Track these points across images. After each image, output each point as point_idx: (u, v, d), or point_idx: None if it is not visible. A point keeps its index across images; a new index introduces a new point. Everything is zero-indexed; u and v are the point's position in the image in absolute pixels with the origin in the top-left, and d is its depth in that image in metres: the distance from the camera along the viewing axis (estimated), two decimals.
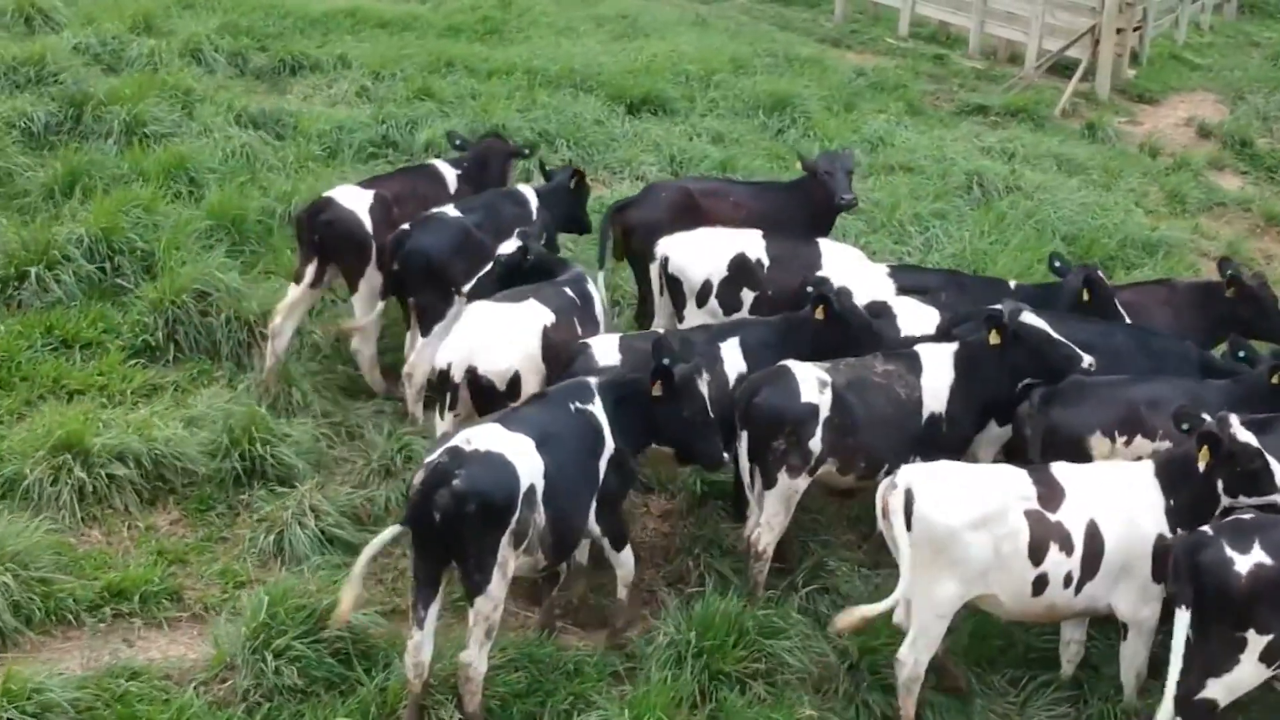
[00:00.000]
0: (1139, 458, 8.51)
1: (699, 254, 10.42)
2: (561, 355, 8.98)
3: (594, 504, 7.96)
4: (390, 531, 7.44)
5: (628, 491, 8.51)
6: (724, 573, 8.86)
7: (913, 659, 7.78)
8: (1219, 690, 7.42)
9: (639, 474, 8.86)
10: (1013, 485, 7.86)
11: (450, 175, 11.37)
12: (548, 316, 9.11)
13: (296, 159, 13.77)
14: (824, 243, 10.84)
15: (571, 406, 8.01)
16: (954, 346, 9.01)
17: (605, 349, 8.96)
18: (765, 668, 7.93)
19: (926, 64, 21.05)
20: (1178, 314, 10.52)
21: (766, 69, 18.79)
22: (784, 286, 10.11)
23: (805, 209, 11.23)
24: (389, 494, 9.25)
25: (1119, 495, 7.90)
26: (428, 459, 7.41)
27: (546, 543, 7.57)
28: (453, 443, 7.40)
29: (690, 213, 10.98)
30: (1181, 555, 7.45)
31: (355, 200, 10.51)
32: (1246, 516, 7.62)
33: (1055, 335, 8.81)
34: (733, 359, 9.13)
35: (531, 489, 7.40)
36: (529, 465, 7.43)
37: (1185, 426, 7.96)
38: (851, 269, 10.38)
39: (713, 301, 10.39)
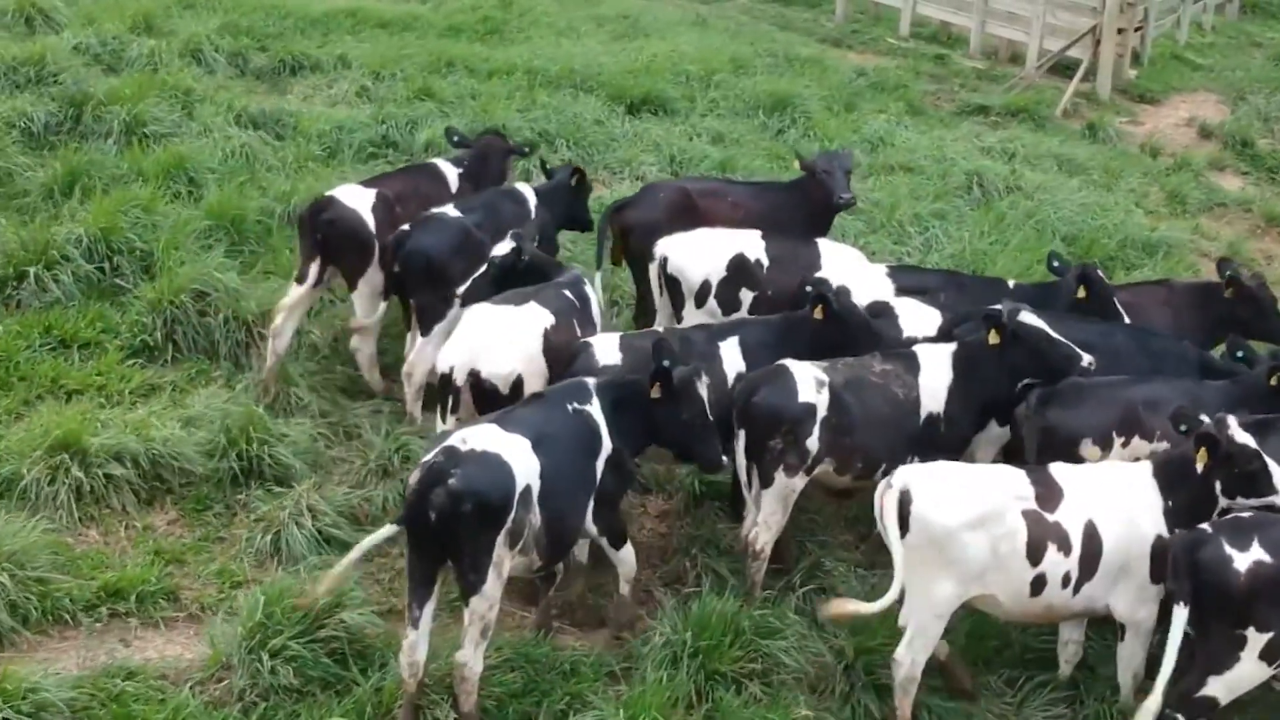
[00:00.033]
0: (1136, 459, 8.52)
1: (698, 254, 10.42)
2: (562, 357, 8.98)
3: (591, 504, 7.97)
4: (385, 530, 7.47)
5: (625, 491, 8.52)
6: (721, 573, 8.87)
7: (909, 659, 7.78)
8: (1219, 688, 7.44)
9: (637, 474, 8.85)
10: (1010, 485, 7.86)
11: (452, 174, 11.37)
12: (548, 319, 9.11)
13: (296, 159, 13.77)
14: (823, 243, 10.84)
15: (569, 407, 8.01)
16: (952, 347, 9.01)
17: (606, 348, 8.97)
18: (761, 668, 7.93)
19: (927, 64, 21.01)
20: (1176, 314, 10.52)
21: (767, 69, 18.76)
22: (783, 287, 10.11)
23: (803, 209, 11.22)
24: (386, 494, 9.26)
25: (1117, 496, 7.90)
26: (424, 459, 7.42)
27: (542, 543, 7.57)
28: (448, 442, 7.41)
29: (688, 213, 10.98)
30: (1180, 553, 7.46)
31: (358, 199, 10.51)
32: (1245, 514, 7.63)
33: (1054, 335, 8.80)
34: (732, 358, 9.14)
35: (527, 489, 7.41)
36: (525, 465, 7.43)
37: (1183, 428, 7.96)
38: (851, 269, 10.37)
39: (711, 302, 10.39)
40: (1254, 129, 19.39)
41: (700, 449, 8.36)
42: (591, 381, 8.28)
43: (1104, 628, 8.37)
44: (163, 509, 9.17)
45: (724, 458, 8.45)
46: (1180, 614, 7.38)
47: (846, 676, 8.08)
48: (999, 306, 8.94)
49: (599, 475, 8.00)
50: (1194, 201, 16.59)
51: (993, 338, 8.78)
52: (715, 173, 14.39)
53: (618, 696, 7.70)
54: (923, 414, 8.83)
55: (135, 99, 13.86)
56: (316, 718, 7.46)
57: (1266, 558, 7.33)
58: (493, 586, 7.30)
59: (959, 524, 7.63)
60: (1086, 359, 8.71)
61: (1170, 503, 7.85)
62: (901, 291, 10.21)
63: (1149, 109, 20.49)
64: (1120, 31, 20.56)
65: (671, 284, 10.45)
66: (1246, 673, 7.43)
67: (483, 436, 7.44)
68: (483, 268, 9.55)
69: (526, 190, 11.12)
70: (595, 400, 8.10)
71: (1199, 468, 7.78)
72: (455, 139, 11.80)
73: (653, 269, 10.53)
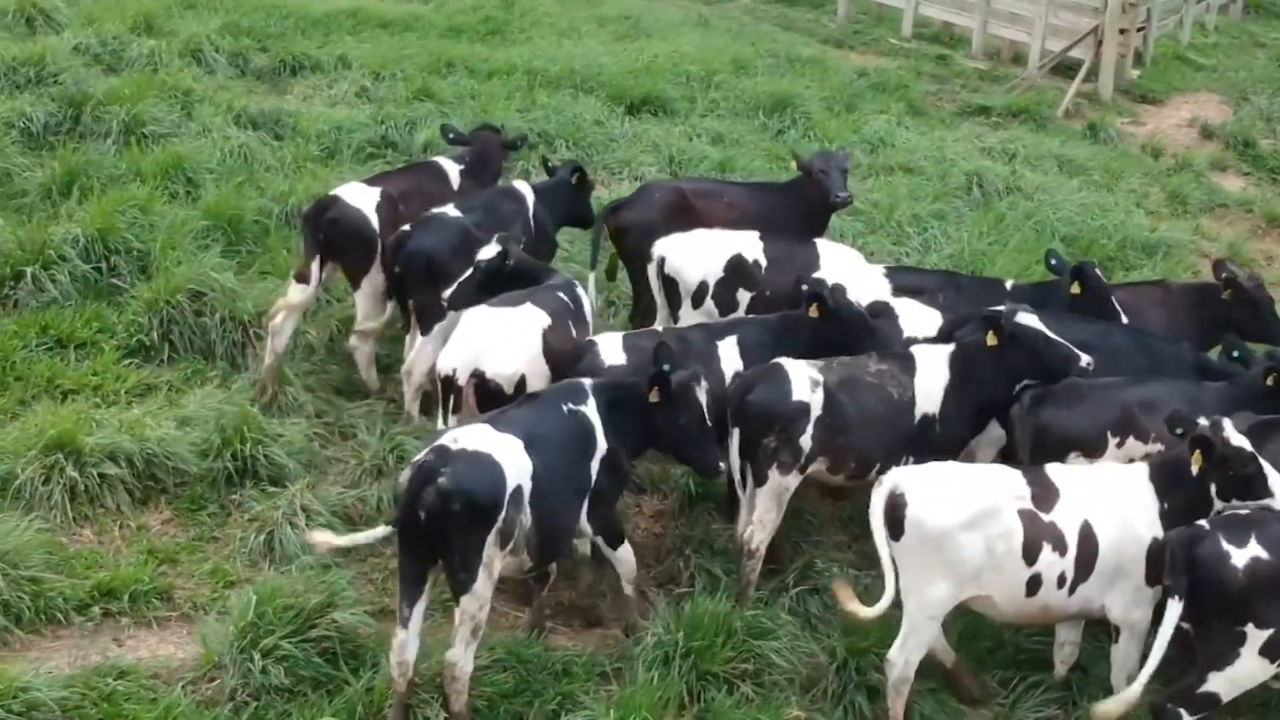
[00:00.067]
0: (1131, 460, 8.51)
1: (695, 255, 10.43)
2: (559, 358, 8.98)
3: (585, 505, 7.97)
4: (380, 530, 7.47)
5: (621, 492, 8.52)
6: (715, 573, 8.87)
7: (903, 660, 7.78)
8: (1220, 684, 7.46)
9: (632, 475, 8.84)
10: (1006, 485, 7.86)
11: (453, 172, 11.38)
12: (546, 320, 9.11)
13: (295, 159, 13.76)
14: (821, 243, 10.85)
15: (564, 408, 8.02)
16: (950, 348, 9.00)
17: (611, 348, 8.98)
18: (753, 668, 7.94)
19: (929, 64, 20.98)
20: (1172, 315, 10.51)
21: (768, 70, 18.74)
22: (781, 287, 10.10)
23: (800, 209, 11.21)
24: (380, 494, 9.24)
25: (1113, 497, 7.90)
26: (415, 458, 7.43)
27: (533, 543, 7.57)
28: (439, 442, 7.43)
29: (684, 213, 10.97)
30: (1178, 549, 7.47)
31: (361, 198, 10.51)
32: (1243, 511, 7.64)
33: (1052, 336, 8.78)
34: (730, 357, 9.15)
35: (518, 489, 7.40)
36: (516, 465, 7.44)
37: (1178, 430, 7.95)
38: (849, 270, 10.37)
39: (708, 302, 10.39)
40: (1256, 129, 19.35)
41: (697, 454, 8.36)
42: (588, 382, 8.29)
43: (1097, 629, 8.35)
44: (157, 509, 9.16)
45: (721, 464, 8.46)
46: (1174, 608, 7.39)
47: (839, 677, 8.08)
48: (1000, 308, 8.93)
49: (594, 476, 8.00)
50: (1195, 202, 16.56)
51: (990, 339, 8.77)
52: (714, 173, 14.39)
53: (609, 697, 7.70)
54: (917, 415, 8.84)
55: (134, 99, 13.85)
56: (308, 717, 7.45)
57: (1264, 554, 7.34)
58: (483, 586, 7.30)
59: (954, 524, 7.63)
60: (1085, 359, 8.70)
61: (1166, 505, 7.85)
62: (899, 292, 10.21)
63: (1151, 109, 20.45)
64: (1122, 32, 20.52)
65: (668, 284, 10.45)
66: (1247, 669, 7.44)
67: (474, 436, 7.45)
68: (468, 271, 9.55)
69: (525, 189, 11.12)
70: (591, 401, 8.11)
71: (1194, 470, 7.77)
72: (451, 136, 11.80)
73: (651, 269, 10.52)
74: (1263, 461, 7.77)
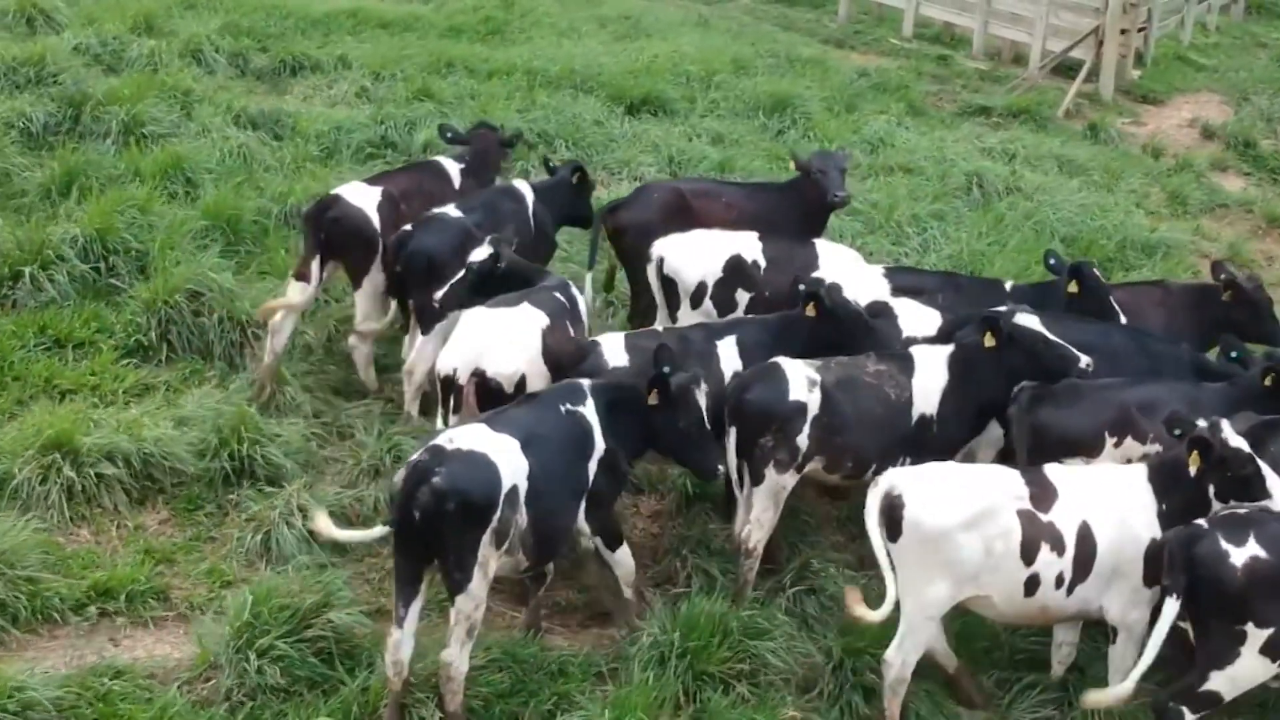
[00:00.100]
0: (1129, 461, 8.50)
1: (694, 255, 10.43)
2: (558, 358, 8.98)
3: (583, 505, 7.97)
4: (378, 530, 7.47)
5: (619, 493, 8.51)
6: (712, 573, 8.86)
7: (900, 660, 7.78)
8: (1222, 683, 7.46)
9: (630, 475, 8.84)
10: (1004, 485, 7.86)
11: (454, 171, 11.38)
12: (544, 320, 9.11)
13: (294, 160, 13.77)
14: (820, 244, 10.86)
15: (562, 408, 8.02)
16: (949, 349, 9.00)
17: (614, 349, 8.99)
18: (749, 668, 7.92)
19: (930, 65, 20.95)
20: (1171, 315, 10.51)
21: (768, 70, 18.72)
22: (780, 288, 10.10)
23: (798, 209, 11.21)
24: (378, 494, 9.23)
25: (1112, 497, 7.89)
26: (411, 458, 7.43)
27: (529, 543, 7.58)
28: (435, 441, 7.44)
29: (682, 213, 10.98)
30: (1177, 547, 7.47)
31: (363, 197, 10.51)
32: (1242, 510, 7.63)
33: (1051, 337, 8.78)
34: (729, 357, 9.16)
35: (514, 489, 7.41)
36: (512, 465, 7.44)
37: (1177, 431, 7.95)
38: (848, 270, 10.36)
39: (707, 303, 10.39)
40: (1257, 129, 19.33)
41: (696, 457, 8.37)
42: (586, 383, 8.29)
43: (1093, 629, 8.34)
44: (154, 508, 9.16)
45: (719, 467, 8.47)
46: (1171, 607, 7.40)
47: (835, 677, 8.07)
48: (1001, 309, 8.93)
49: (591, 476, 8.00)
50: (1195, 202, 16.55)
51: (989, 340, 8.76)
52: (714, 174, 14.39)
53: (605, 697, 7.69)
54: (914, 415, 8.84)
55: (134, 99, 13.86)
56: (303, 717, 7.45)
57: (1263, 553, 7.34)
58: (478, 586, 7.30)
59: (952, 525, 7.63)
60: (1085, 360, 8.69)
61: (1164, 506, 7.84)
62: (898, 292, 10.20)
63: (1152, 110, 20.42)
64: (1123, 32, 20.50)
65: (667, 285, 10.45)
66: (1247, 668, 7.44)
67: (469, 436, 7.46)
68: (460, 273, 9.55)
69: (524, 188, 11.13)
70: (590, 401, 8.11)
71: (1192, 471, 7.77)
72: (449, 135, 11.80)
73: (650, 270, 10.52)
74: (1261, 463, 7.76)
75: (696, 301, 10.38)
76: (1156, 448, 8.56)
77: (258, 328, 10.60)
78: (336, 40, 17.67)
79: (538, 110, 15.64)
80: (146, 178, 12.55)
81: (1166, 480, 7.89)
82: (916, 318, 9.77)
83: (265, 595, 7.83)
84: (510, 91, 16.20)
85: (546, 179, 11.46)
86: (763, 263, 10.42)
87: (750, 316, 9.99)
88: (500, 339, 8.85)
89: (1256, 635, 7.36)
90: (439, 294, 9.59)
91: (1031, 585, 7.75)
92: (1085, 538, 7.77)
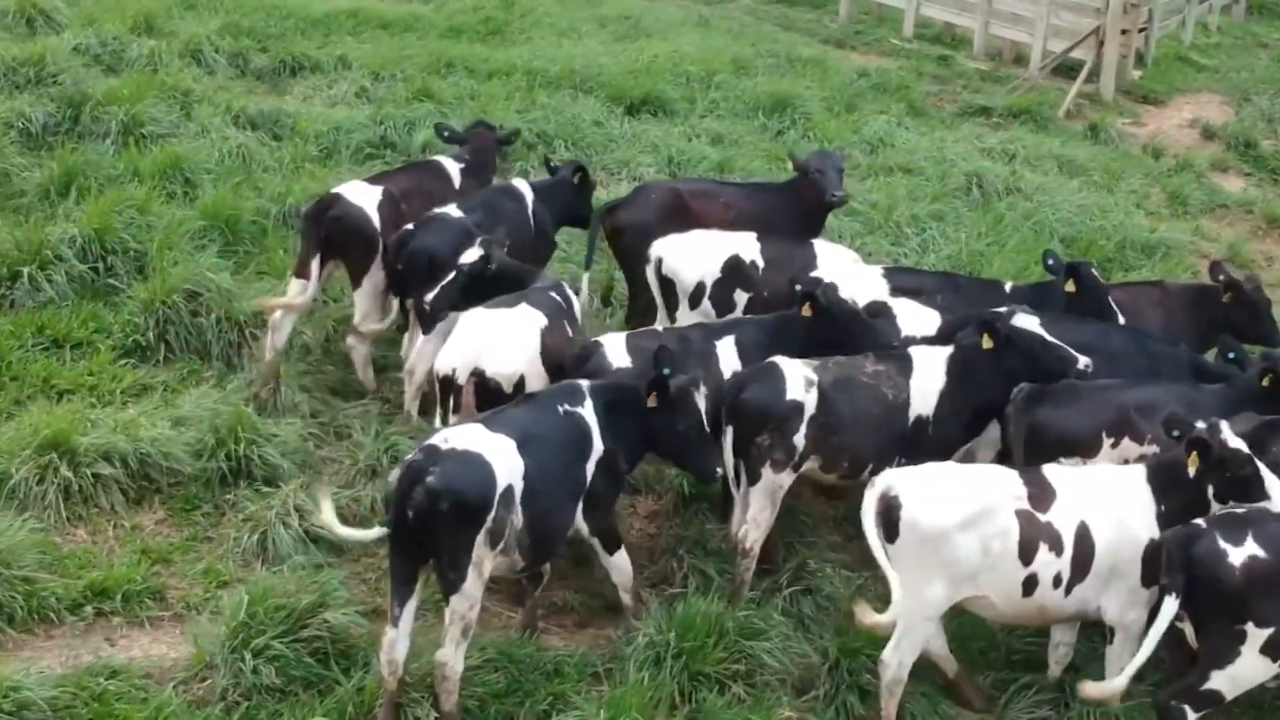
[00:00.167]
0: (1125, 461, 8.49)
1: (693, 256, 10.44)
2: (561, 359, 8.99)
3: (580, 506, 7.97)
4: (376, 531, 7.46)
5: (618, 494, 8.50)
6: (708, 573, 8.85)
7: (897, 660, 7.77)
8: (1223, 682, 7.47)
9: (628, 476, 8.84)
10: (1002, 485, 7.85)
11: (454, 171, 11.39)
12: (542, 320, 9.12)
13: (293, 160, 13.77)
14: (819, 244, 10.87)
15: (560, 409, 8.02)
16: (948, 350, 8.99)
17: (616, 349, 8.99)
18: (745, 669, 7.92)
19: (931, 65, 20.93)
20: (1170, 316, 10.50)
21: (768, 70, 18.71)
22: (778, 288, 10.12)
23: (796, 209, 11.22)
24: (375, 494, 9.21)
25: (1110, 498, 7.89)
26: (406, 457, 7.43)
27: (525, 543, 7.57)
28: (430, 441, 7.44)
29: (680, 214, 10.98)
30: (1175, 547, 7.47)
31: (363, 196, 10.52)
32: (1240, 510, 7.63)
33: (1049, 338, 8.77)
34: (728, 357, 9.17)
35: (509, 489, 7.40)
36: (507, 465, 7.43)
37: (1175, 433, 7.94)
38: (846, 270, 10.36)
39: (706, 303, 10.39)
40: (1258, 130, 19.31)
41: (695, 459, 8.38)
42: (585, 384, 8.28)
43: (1090, 629, 8.34)
44: (151, 508, 9.16)
45: (718, 470, 8.47)
46: (1170, 606, 7.39)
47: (831, 678, 8.06)
48: (1000, 310, 8.92)
49: (589, 477, 7.99)
50: (1195, 203, 16.52)
51: (986, 342, 8.75)
52: (714, 174, 14.38)
53: (601, 697, 7.68)
54: (911, 416, 8.83)
55: (133, 100, 13.87)
56: (299, 717, 7.45)
57: (1261, 553, 7.34)
58: (473, 585, 7.30)
59: (949, 525, 7.62)
60: (1084, 361, 8.68)
61: (1163, 506, 7.84)
62: (897, 292, 10.19)
63: (1152, 110, 20.39)
64: (1124, 32, 20.48)
65: (666, 285, 10.45)
66: (1248, 667, 7.44)
67: (465, 436, 7.46)
68: (450, 275, 9.55)
69: (524, 187, 11.14)
70: (588, 403, 8.11)
71: (1191, 472, 7.77)
72: (446, 134, 11.81)
73: (648, 270, 10.52)
74: (1260, 464, 7.76)
75: (695, 302, 10.38)
76: (1154, 449, 8.55)
77: (255, 328, 10.62)
78: (336, 40, 17.66)
79: (537, 110, 15.63)
80: (145, 178, 12.56)
81: (1165, 481, 7.88)
82: (915, 318, 9.75)
83: (261, 595, 7.82)
84: (510, 92, 16.19)
85: (547, 179, 11.46)
86: (761, 263, 10.43)
87: (749, 316, 9.99)
88: (499, 339, 8.85)
89: (1257, 635, 7.36)
90: (429, 295, 9.59)
91: (1029, 585, 7.75)
92: (1084, 538, 7.76)
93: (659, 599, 8.51)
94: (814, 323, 9.26)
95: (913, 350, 9.12)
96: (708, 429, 8.42)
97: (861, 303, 9.70)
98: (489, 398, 8.67)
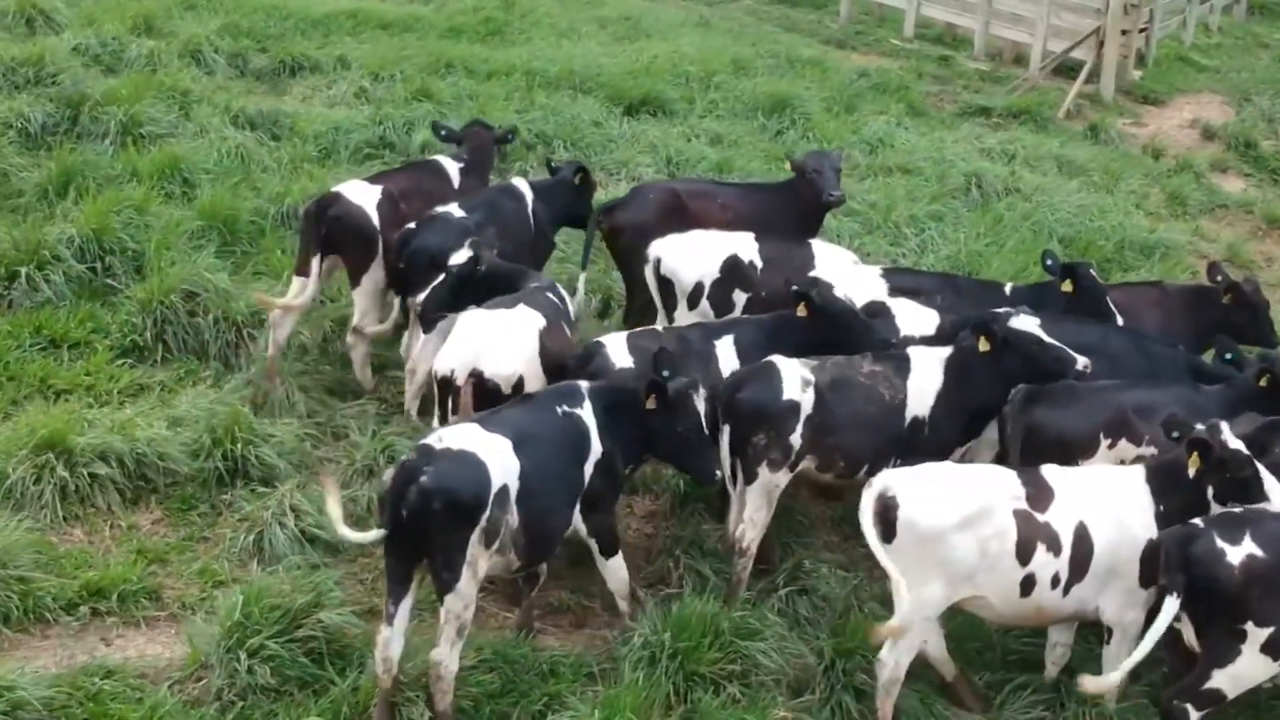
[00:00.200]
0: (1122, 462, 8.48)
1: (692, 256, 10.43)
2: (553, 360, 8.98)
3: (577, 507, 7.96)
4: (374, 534, 7.44)
5: (617, 496, 8.47)
6: (704, 573, 8.84)
7: (893, 660, 7.77)
8: (1224, 681, 7.48)
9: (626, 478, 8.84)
10: (1000, 485, 7.85)
11: (453, 170, 11.40)
12: (540, 321, 9.12)
13: (291, 160, 13.77)
14: (816, 244, 10.86)
15: (558, 410, 8.01)
16: (947, 351, 8.98)
17: (618, 350, 9.00)
18: (740, 669, 7.92)
19: (931, 65, 20.90)
20: (1168, 316, 10.50)
21: (768, 70, 18.69)
22: (776, 288, 10.11)
23: (793, 209, 11.22)
24: (371, 494, 9.20)
25: (1109, 498, 7.89)
26: (401, 457, 7.43)
27: (520, 543, 7.56)
28: (424, 440, 7.44)
29: (677, 214, 10.98)
30: (1173, 547, 7.47)
31: (363, 195, 10.53)
32: (1236, 510, 7.64)
33: (1047, 339, 8.75)
34: (727, 356, 9.17)
35: (504, 489, 7.40)
36: (503, 465, 7.43)
37: (1175, 434, 7.94)
38: (844, 270, 10.36)
39: (704, 303, 10.39)
40: (1258, 130, 19.29)
41: (695, 462, 8.37)
42: (585, 385, 8.27)
43: (1085, 630, 8.34)
44: (147, 508, 9.16)
45: (718, 472, 8.47)
46: (1171, 605, 7.39)
47: (826, 678, 8.05)
48: (998, 311, 8.90)
49: (587, 479, 7.99)
50: (1194, 203, 16.51)
51: (983, 345, 8.74)
52: (712, 174, 14.37)
53: (595, 697, 7.68)
54: (908, 416, 8.83)
55: (132, 100, 13.87)
56: (293, 717, 7.46)
57: (1259, 552, 7.35)
58: (467, 585, 7.30)
59: (947, 525, 7.62)
60: (1082, 362, 8.67)
61: (1162, 507, 7.84)
62: (896, 292, 10.18)
63: (1153, 110, 20.37)
64: (1124, 33, 20.46)
65: (664, 285, 10.45)
66: (1249, 666, 7.46)
67: (460, 435, 7.46)
68: (440, 277, 9.55)
69: (524, 186, 11.14)
70: (587, 404, 8.10)
71: (1191, 473, 7.77)
72: (443, 133, 11.82)
73: (647, 270, 10.52)
74: (1259, 466, 7.76)
75: (694, 302, 10.38)
76: (1151, 451, 8.54)
77: (253, 328, 10.63)
78: (336, 41, 17.65)
79: (536, 111, 15.62)
80: (144, 178, 12.57)
81: (1165, 482, 7.89)
82: (914, 318, 9.74)
83: (256, 595, 7.83)
84: (509, 92, 16.18)
85: (547, 178, 11.45)
86: (759, 263, 10.43)
87: (748, 316, 9.98)
88: (498, 340, 8.85)
89: (1257, 634, 7.37)
90: (419, 297, 9.59)
91: (1027, 585, 7.75)
92: (1082, 538, 7.76)
93: (655, 599, 8.50)
94: (811, 322, 9.25)
95: (911, 351, 9.11)
96: (707, 431, 8.41)
97: (860, 303, 9.69)
98: (488, 399, 8.66)
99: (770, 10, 23.67)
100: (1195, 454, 7.74)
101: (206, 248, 11.58)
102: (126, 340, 10.59)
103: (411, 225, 10.27)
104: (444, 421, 8.78)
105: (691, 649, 7.84)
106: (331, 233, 10.34)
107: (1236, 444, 7.75)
